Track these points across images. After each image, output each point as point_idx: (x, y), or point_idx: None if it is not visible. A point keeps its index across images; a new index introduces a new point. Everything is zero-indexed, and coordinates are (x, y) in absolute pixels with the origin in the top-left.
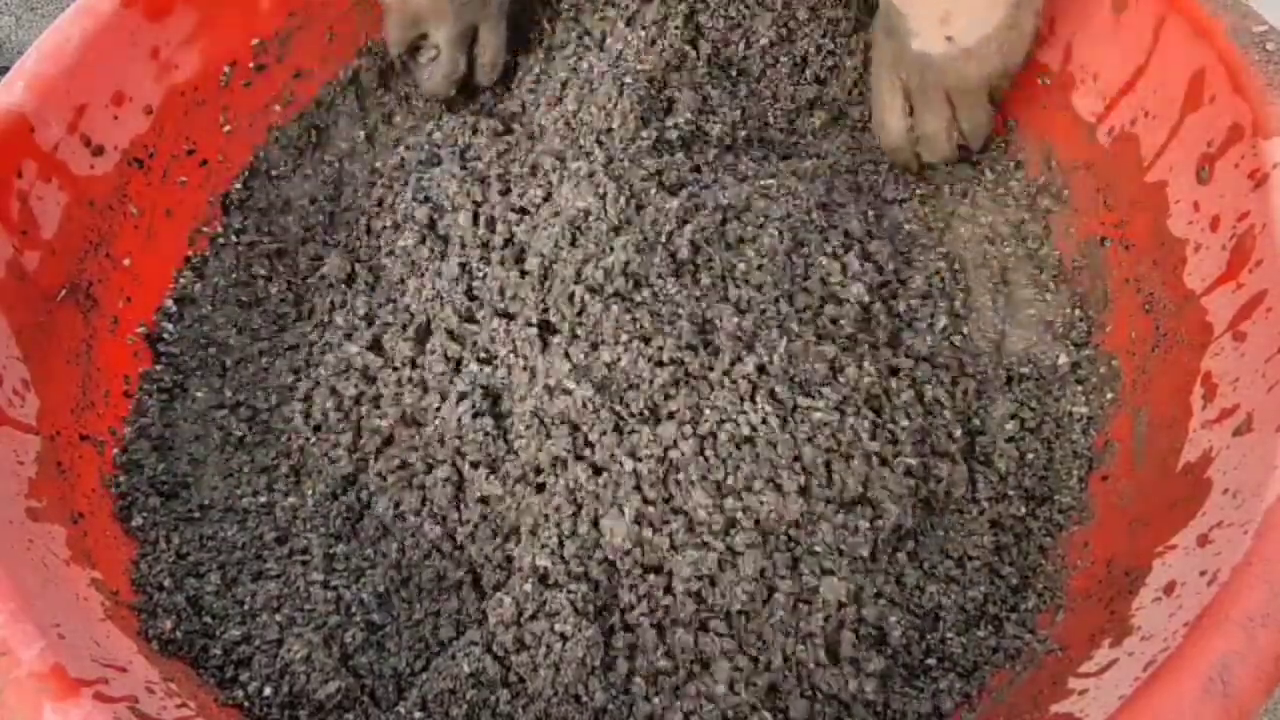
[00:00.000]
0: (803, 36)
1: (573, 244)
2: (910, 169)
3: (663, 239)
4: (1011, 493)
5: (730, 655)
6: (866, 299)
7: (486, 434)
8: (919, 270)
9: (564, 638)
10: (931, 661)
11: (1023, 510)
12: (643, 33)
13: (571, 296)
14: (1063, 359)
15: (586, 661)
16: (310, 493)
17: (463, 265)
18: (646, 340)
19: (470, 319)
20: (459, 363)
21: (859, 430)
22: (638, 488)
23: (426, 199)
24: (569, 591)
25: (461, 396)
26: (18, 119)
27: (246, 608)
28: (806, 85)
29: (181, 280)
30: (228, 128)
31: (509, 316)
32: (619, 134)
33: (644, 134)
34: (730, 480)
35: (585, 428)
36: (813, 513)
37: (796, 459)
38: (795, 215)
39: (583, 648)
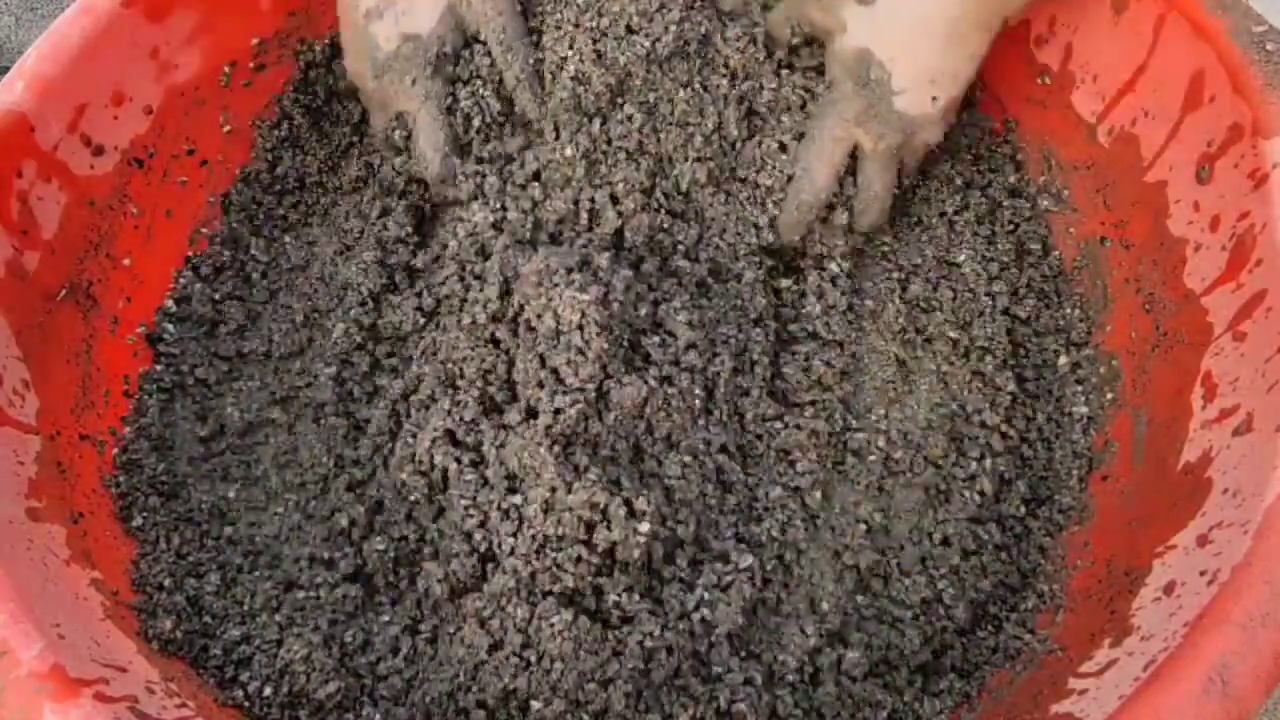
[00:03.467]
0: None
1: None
2: (791, 237)
3: None
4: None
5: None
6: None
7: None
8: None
9: (557, 635)
10: (931, 661)
11: (1022, 510)
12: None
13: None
14: (1063, 359)
15: (581, 658)
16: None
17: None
18: None
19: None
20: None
21: None
22: None
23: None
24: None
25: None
26: (18, 119)
27: (246, 608)
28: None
29: (181, 280)
30: (228, 128)
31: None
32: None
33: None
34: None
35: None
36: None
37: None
38: None
39: (574, 644)
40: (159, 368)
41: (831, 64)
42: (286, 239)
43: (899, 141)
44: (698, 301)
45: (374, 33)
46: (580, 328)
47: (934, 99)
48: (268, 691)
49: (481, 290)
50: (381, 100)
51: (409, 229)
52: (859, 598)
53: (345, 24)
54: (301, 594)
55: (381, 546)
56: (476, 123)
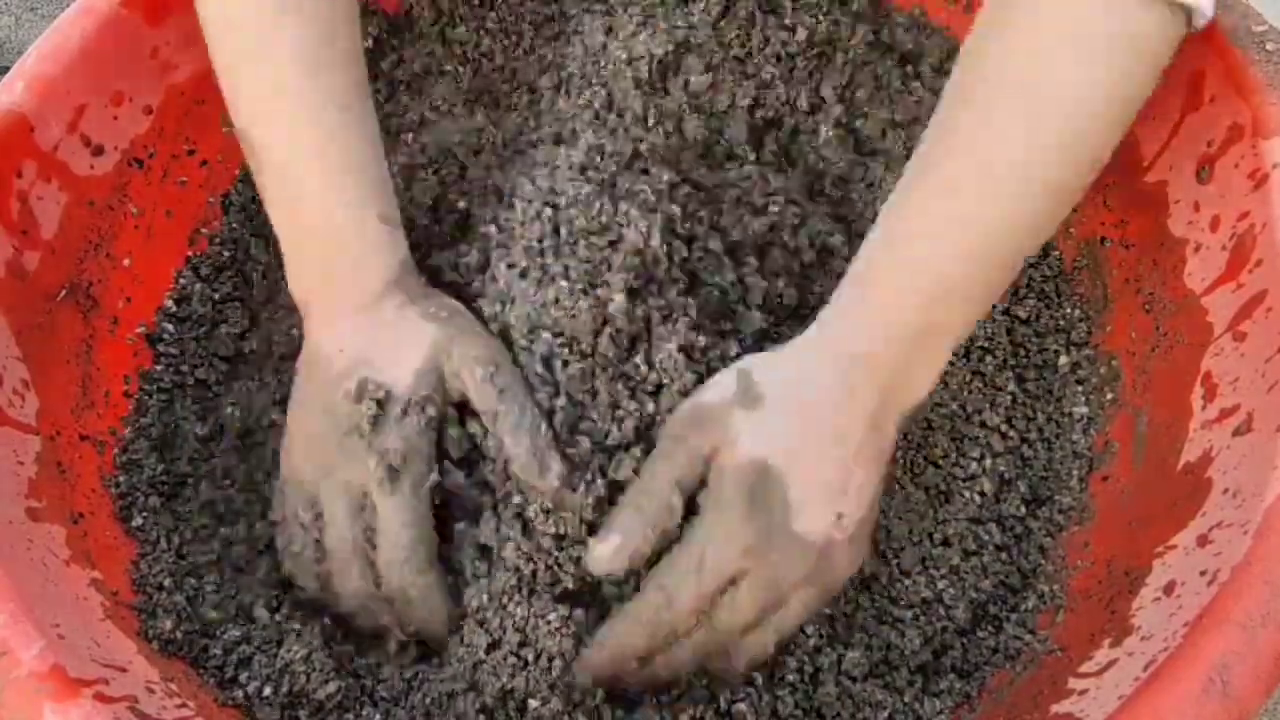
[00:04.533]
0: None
1: None
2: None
3: None
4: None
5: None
6: None
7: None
8: None
9: (555, 632)
10: (931, 661)
11: (1023, 510)
12: None
13: None
14: (1063, 359)
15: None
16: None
17: None
18: None
19: None
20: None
21: None
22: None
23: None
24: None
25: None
26: (18, 119)
27: (246, 608)
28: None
29: (181, 280)
30: (227, 128)
31: None
32: None
33: None
34: None
35: None
36: None
37: None
38: None
39: (573, 641)
40: (159, 368)
41: (718, 486)
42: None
43: (777, 574)
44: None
45: (343, 398)
46: None
47: (839, 516)
48: (268, 691)
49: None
50: (336, 479)
51: None
52: (859, 598)
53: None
54: (301, 594)
55: None
56: None
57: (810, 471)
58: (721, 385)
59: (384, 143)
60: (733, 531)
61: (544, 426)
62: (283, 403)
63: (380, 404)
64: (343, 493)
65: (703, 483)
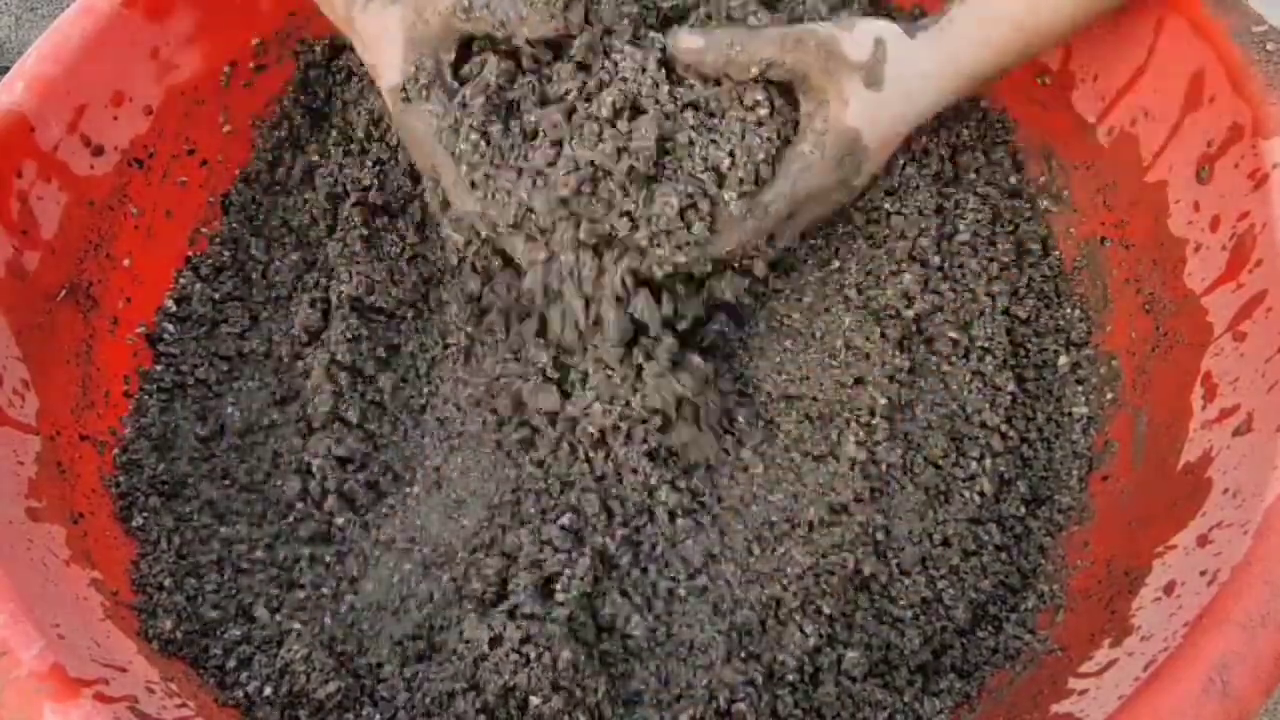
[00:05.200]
0: None
1: None
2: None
3: None
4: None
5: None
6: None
7: None
8: None
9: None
10: (931, 661)
11: (1022, 510)
12: None
13: None
14: (1063, 359)
15: (578, 666)
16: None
17: None
18: None
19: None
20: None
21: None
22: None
23: None
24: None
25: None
26: (18, 119)
27: (246, 608)
28: None
29: (181, 280)
30: (228, 128)
31: None
32: None
33: None
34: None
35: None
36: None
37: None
38: None
39: (570, 653)
40: (159, 368)
41: (807, 130)
42: (286, 239)
43: (841, 200)
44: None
45: (379, 105)
46: None
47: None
48: (268, 691)
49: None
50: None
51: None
52: (859, 597)
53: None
54: (301, 594)
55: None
56: None
57: (882, 149)
58: (860, 43)
59: None
60: (819, 175)
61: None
62: (283, 402)
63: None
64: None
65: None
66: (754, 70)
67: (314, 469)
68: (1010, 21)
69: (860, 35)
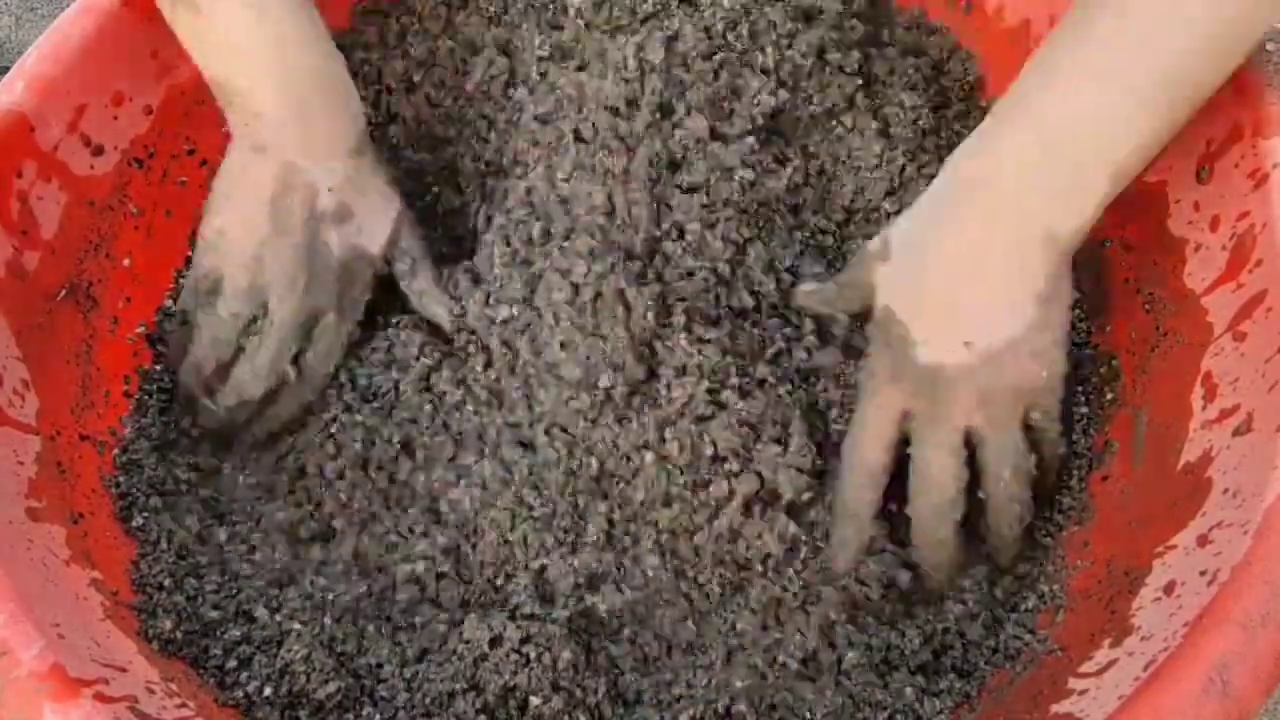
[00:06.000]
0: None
1: None
2: (862, 538)
3: None
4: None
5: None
6: None
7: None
8: None
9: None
10: (931, 661)
11: None
12: None
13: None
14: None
15: (578, 666)
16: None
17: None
18: None
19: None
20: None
21: None
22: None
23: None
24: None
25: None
26: (18, 119)
27: (246, 608)
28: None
29: (182, 280)
30: (228, 128)
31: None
32: None
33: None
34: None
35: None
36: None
37: None
38: None
39: (570, 653)
40: (159, 368)
41: (868, 330)
42: None
43: (935, 405)
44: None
45: (326, 240)
46: None
47: (966, 344)
48: (268, 691)
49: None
50: (309, 306)
51: None
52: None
53: (274, 224)
54: (301, 593)
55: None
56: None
57: (925, 311)
58: (877, 238)
59: None
60: (873, 365)
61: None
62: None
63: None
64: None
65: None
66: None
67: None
68: (1012, 113)
69: (877, 238)
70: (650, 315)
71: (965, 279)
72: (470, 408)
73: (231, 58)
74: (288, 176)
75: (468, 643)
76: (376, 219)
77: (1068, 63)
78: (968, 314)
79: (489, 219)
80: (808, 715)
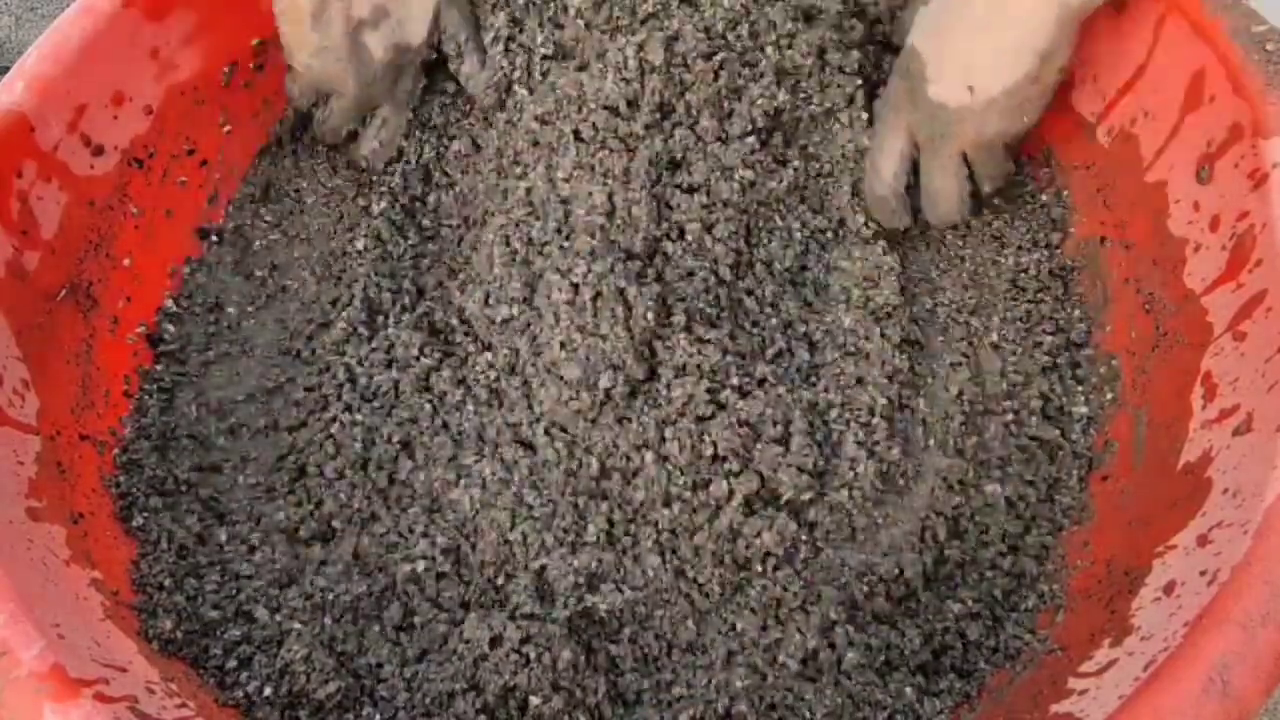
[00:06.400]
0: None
1: None
2: (891, 225)
3: None
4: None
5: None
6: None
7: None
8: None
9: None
10: (931, 661)
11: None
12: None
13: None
14: (1063, 359)
15: (578, 666)
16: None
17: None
18: None
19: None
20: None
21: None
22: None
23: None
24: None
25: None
26: (18, 119)
27: (246, 608)
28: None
29: (182, 280)
30: (228, 128)
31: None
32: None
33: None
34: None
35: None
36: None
37: None
38: None
39: (570, 653)
40: (159, 368)
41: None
42: (285, 239)
43: (935, 133)
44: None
45: (367, 43)
46: None
47: (970, 88)
48: (268, 691)
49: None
50: (316, 81)
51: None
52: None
53: (318, 35)
54: (301, 593)
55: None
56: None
57: (945, 54)
58: None
59: None
60: (889, 91)
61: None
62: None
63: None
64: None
65: None
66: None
67: (312, 468)
68: None
69: None
70: (650, 315)
71: (984, 27)
72: (470, 407)
73: None
74: None
75: (468, 643)
76: (412, 11)
77: None
78: (979, 61)
79: (489, 215)
80: (808, 715)
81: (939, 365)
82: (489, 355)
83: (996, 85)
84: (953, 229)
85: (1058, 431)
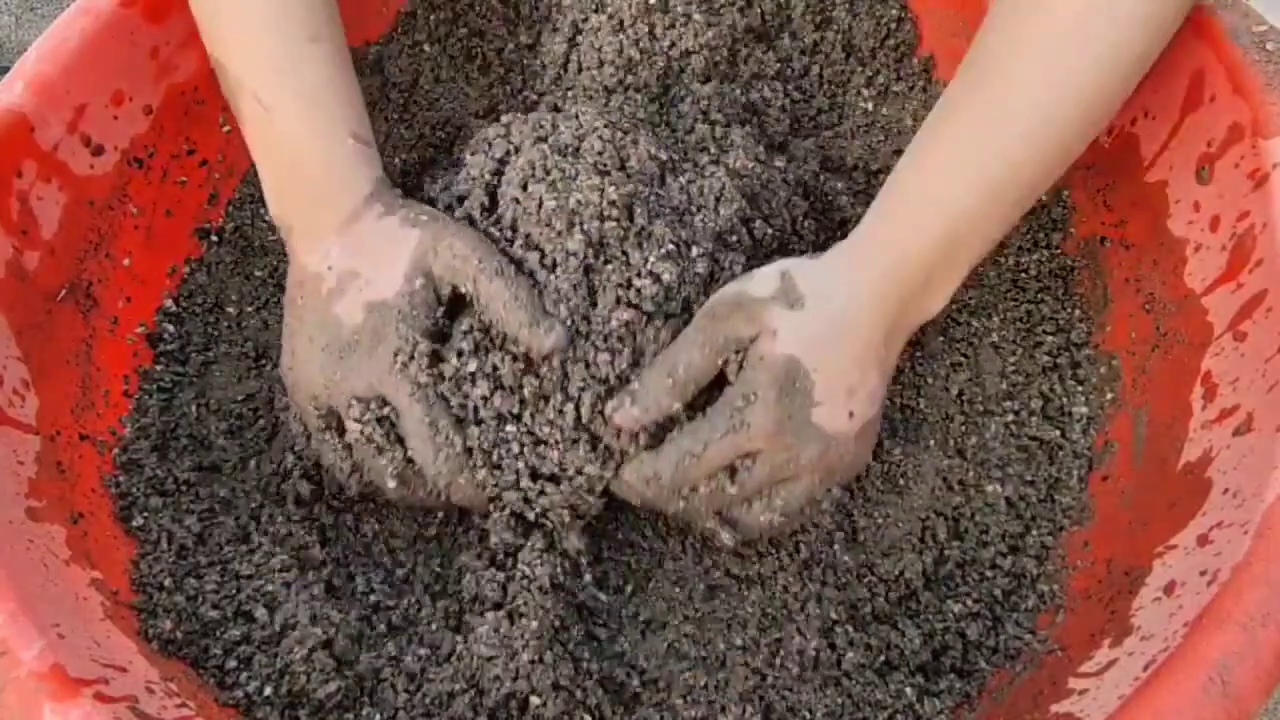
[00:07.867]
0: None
1: None
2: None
3: None
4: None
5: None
6: None
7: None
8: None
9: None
10: (931, 661)
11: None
12: None
13: None
14: (1063, 359)
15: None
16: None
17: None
18: None
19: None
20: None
21: None
22: None
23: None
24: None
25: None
26: (18, 119)
27: (246, 608)
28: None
29: (182, 279)
30: (228, 128)
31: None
32: None
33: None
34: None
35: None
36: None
37: None
38: None
39: (561, 649)
40: (159, 368)
41: (753, 371)
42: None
43: (796, 457)
44: None
45: (337, 313)
46: None
47: (850, 414)
48: (268, 691)
49: None
50: (345, 390)
51: None
52: (859, 598)
53: (300, 322)
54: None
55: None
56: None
57: (833, 372)
58: (766, 280)
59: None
60: (762, 415)
61: (537, 295)
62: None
63: (377, 314)
64: (355, 401)
65: (725, 365)
66: (690, 390)
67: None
68: (920, 197)
69: (762, 277)
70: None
71: (873, 360)
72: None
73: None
74: (298, 276)
75: (468, 643)
76: (382, 263)
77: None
78: (861, 389)
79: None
80: (807, 715)
81: (939, 365)
82: (497, 355)
83: (868, 417)
84: None
85: (1058, 431)
